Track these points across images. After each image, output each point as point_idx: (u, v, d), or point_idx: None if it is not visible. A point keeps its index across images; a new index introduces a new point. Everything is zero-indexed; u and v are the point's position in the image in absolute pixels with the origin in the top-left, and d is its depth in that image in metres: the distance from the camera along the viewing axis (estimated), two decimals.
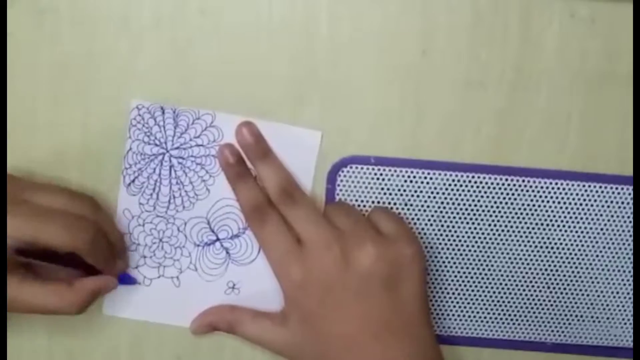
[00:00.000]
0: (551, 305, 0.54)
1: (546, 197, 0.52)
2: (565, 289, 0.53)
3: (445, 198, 0.52)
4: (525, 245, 0.53)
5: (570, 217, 0.52)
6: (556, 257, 0.53)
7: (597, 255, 0.53)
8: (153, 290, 0.53)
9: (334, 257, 0.48)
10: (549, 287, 0.53)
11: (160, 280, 0.53)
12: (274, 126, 0.50)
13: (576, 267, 0.53)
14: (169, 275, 0.52)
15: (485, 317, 0.54)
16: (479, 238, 0.52)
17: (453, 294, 0.53)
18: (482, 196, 0.52)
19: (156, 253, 0.52)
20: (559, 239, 0.52)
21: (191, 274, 0.52)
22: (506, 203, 0.52)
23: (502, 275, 0.53)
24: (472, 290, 0.53)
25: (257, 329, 0.51)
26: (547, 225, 0.52)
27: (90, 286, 0.48)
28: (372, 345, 0.47)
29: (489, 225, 0.52)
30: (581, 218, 0.52)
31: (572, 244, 0.53)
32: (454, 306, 0.54)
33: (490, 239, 0.52)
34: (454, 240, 0.52)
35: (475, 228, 0.52)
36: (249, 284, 0.53)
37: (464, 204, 0.52)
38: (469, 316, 0.54)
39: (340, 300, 0.48)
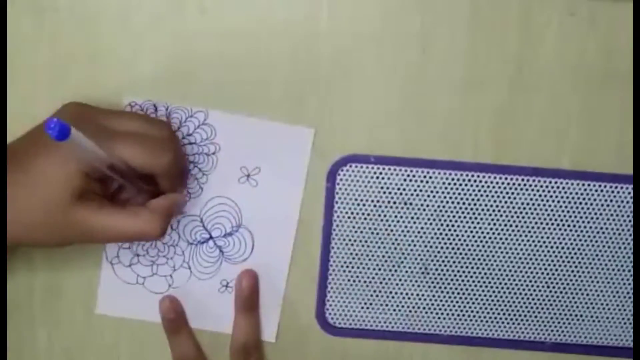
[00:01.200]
0: (551, 304, 0.54)
1: (546, 196, 0.52)
2: (565, 288, 0.53)
3: (445, 197, 0.52)
4: (525, 245, 0.53)
5: (570, 216, 0.52)
6: (556, 256, 0.53)
7: (597, 254, 0.53)
8: (146, 289, 0.53)
9: None
10: (548, 287, 0.53)
11: (154, 279, 0.52)
12: (267, 124, 0.50)
13: (576, 266, 0.53)
14: (163, 273, 0.52)
15: (485, 317, 0.54)
16: (479, 237, 0.52)
17: (453, 293, 0.53)
18: (481, 195, 0.52)
19: (149, 251, 0.52)
20: (559, 238, 0.52)
21: (184, 272, 0.52)
22: (506, 202, 0.52)
23: (502, 275, 0.53)
24: (472, 290, 0.53)
25: None
26: (547, 224, 0.52)
27: (165, 203, 0.47)
28: None
29: (489, 224, 0.52)
30: (581, 217, 0.52)
31: (572, 243, 0.53)
32: (454, 306, 0.54)
33: (490, 238, 0.52)
34: (454, 239, 0.52)
35: (475, 227, 0.52)
36: None
37: (464, 203, 0.52)
38: (469, 316, 0.54)
39: None
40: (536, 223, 0.52)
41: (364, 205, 0.52)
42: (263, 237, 0.52)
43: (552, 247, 0.53)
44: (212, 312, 0.53)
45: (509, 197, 0.52)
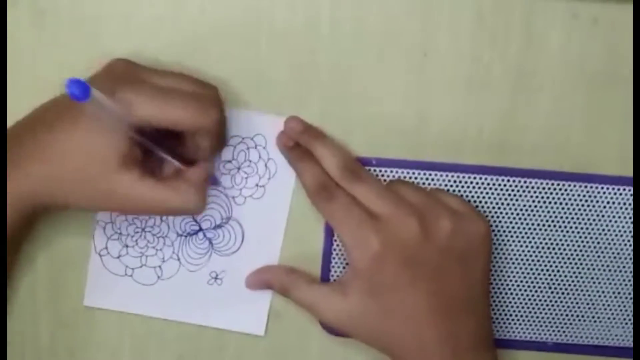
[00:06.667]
0: (552, 305, 0.54)
1: (548, 198, 0.52)
2: (566, 289, 0.53)
3: None
4: (526, 246, 0.53)
5: (572, 218, 0.52)
6: (557, 257, 0.53)
7: (598, 256, 0.53)
8: (135, 281, 0.53)
9: (414, 230, 0.47)
10: (550, 287, 0.53)
11: (143, 270, 0.52)
12: (261, 117, 0.50)
13: (577, 268, 0.53)
14: (152, 264, 0.52)
15: None
16: None
17: None
18: (484, 197, 0.52)
19: (139, 242, 0.52)
20: (561, 240, 0.52)
21: (173, 263, 0.52)
22: (508, 204, 0.52)
23: (503, 276, 0.53)
24: None
25: (312, 295, 0.49)
26: (549, 225, 0.52)
27: (201, 174, 0.47)
28: (439, 322, 0.47)
29: (491, 226, 0.52)
30: (582, 219, 0.52)
31: (573, 245, 0.53)
32: None
33: (492, 239, 0.52)
34: None
35: None
36: (232, 275, 0.53)
37: None
38: None
39: (416, 275, 0.47)
40: (538, 225, 0.52)
41: None
42: (253, 229, 0.52)
43: (553, 248, 0.53)
44: (199, 304, 0.53)
45: (511, 199, 0.52)
